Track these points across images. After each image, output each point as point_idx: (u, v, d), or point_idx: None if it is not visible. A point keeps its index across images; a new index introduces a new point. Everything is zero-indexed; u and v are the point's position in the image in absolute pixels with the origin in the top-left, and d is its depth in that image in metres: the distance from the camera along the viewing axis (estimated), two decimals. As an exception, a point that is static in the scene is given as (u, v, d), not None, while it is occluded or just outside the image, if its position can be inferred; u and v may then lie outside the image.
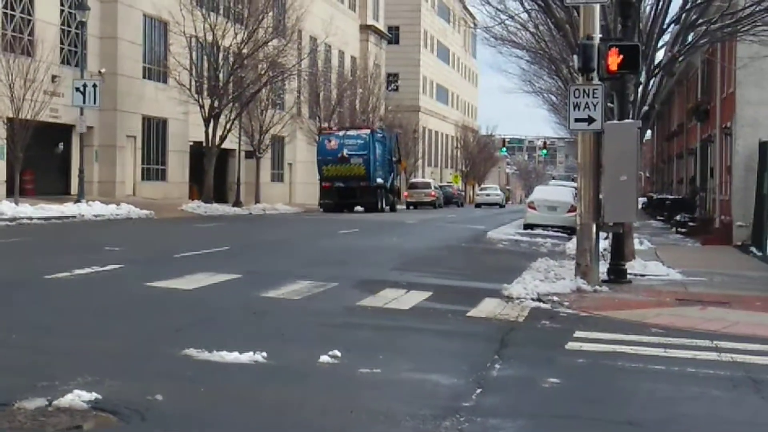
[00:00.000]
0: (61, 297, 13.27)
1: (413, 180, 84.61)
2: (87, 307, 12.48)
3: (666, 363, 10.21)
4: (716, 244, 31.40)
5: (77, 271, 15.61)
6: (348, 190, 55.04)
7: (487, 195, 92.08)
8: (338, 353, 9.42)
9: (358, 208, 55.92)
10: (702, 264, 23.23)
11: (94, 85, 40.68)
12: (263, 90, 56.07)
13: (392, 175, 62.14)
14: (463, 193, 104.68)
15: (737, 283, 19.17)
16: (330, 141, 56.21)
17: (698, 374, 9.73)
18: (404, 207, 70.74)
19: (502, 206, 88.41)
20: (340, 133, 57.52)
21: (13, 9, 42.92)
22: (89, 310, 12.14)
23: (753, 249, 28.21)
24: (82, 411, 7.03)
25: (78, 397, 7.17)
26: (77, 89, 40.45)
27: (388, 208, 58.92)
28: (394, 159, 63.22)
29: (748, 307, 15.28)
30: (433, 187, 77.84)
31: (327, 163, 55.61)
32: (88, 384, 7.66)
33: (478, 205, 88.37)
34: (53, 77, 41.59)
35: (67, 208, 35.29)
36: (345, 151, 54.98)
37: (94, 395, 7.24)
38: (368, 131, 58.37)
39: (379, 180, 57.06)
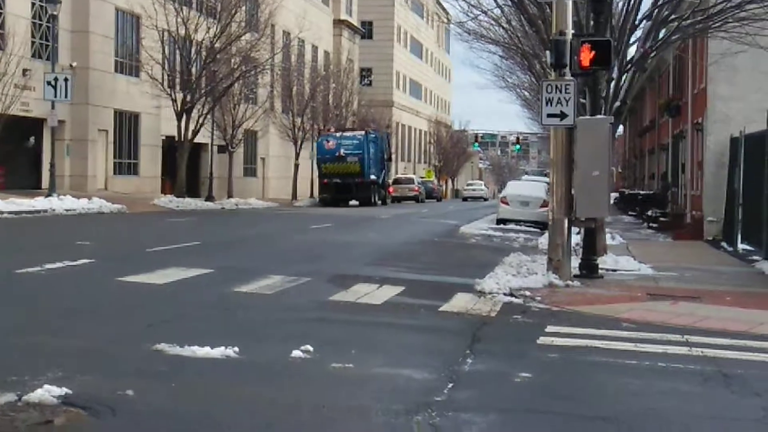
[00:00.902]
0: (31, 292, 13.19)
1: (397, 176, 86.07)
2: (57, 302, 12.41)
3: (637, 357, 10.25)
4: (687, 239, 31.55)
5: (48, 266, 15.52)
6: (344, 185, 60.68)
7: (473, 190, 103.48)
8: (310, 348, 9.41)
9: (353, 202, 60.33)
10: (673, 259, 23.35)
11: (66, 79, 40.41)
12: (236, 84, 55.96)
13: (384, 172, 66.91)
14: (443, 188, 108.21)
15: (708, 278, 19.27)
16: (328, 141, 62.01)
17: (669, 369, 9.77)
18: (389, 201, 73.23)
19: (486, 199, 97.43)
20: (337, 134, 63.73)
21: (-17, 2, 42.60)
22: (60, 305, 12.08)
23: (724, 244, 28.38)
24: (53, 406, 6.99)
25: (48, 393, 7.13)
26: (48, 83, 40.17)
27: (380, 202, 63.97)
28: (385, 157, 67.83)
29: (719, 301, 15.37)
30: (416, 183, 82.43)
31: (325, 161, 61.17)
32: (59, 379, 7.62)
33: (465, 199, 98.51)
34: (24, 71, 41.33)
35: (38, 203, 35.07)
36: (342, 151, 60.80)
37: (64, 390, 7.21)
38: (363, 132, 64.25)
39: (373, 176, 62.45)
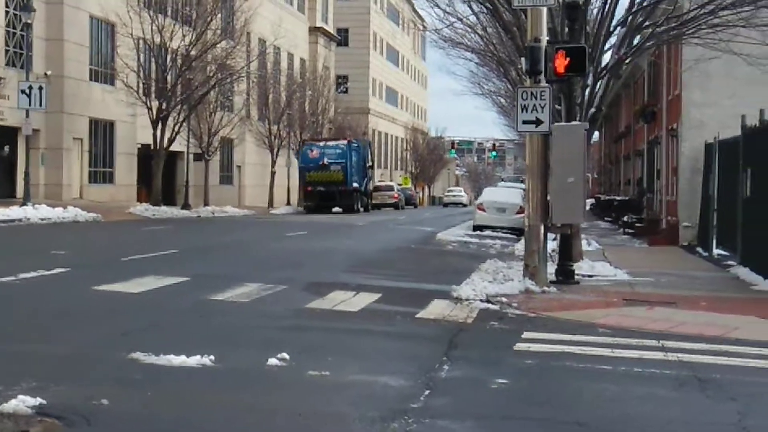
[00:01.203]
0: (5, 301, 13.11)
1: (377, 183, 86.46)
2: (32, 311, 12.34)
3: (613, 363, 10.28)
4: (663, 244, 31.70)
5: (22, 275, 15.44)
6: (328, 193, 62.10)
7: (454, 196, 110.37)
8: (287, 356, 9.39)
9: (337, 209, 61.33)
10: (649, 264, 23.44)
11: (40, 88, 40.23)
12: (212, 92, 55.80)
13: (366, 180, 68.31)
14: (419, 195, 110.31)
15: (684, 284, 19.35)
16: (312, 150, 63.54)
17: (645, 374, 9.80)
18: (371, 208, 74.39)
19: (465, 205, 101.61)
20: (321, 144, 65.13)
21: (-44, 10, 42.38)
22: (34, 315, 12.01)
23: (699, 249, 28.52)
24: (27, 416, 6.95)
25: (22, 403, 7.09)
26: (23, 91, 39.97)
27: (362, 209, 64.97)
28: (368, 165, 69.53)
29: (695, 307, 15.43)
30: (395, 190, 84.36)
31: (309, 170, 62.64)
32: (33, 389, 7.57)
33: (446, 204, 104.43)
34: (-2, 79, 41.11)
35: (13, 212, 34.86)
36: (325, 159, 62.41)
37: (38, 400, 7.16)
38: (346, 142, 65.84)
39: (355, 184, 63.83)
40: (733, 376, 9.83)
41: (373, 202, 75.36)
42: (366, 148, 71.17)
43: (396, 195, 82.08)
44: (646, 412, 8.12)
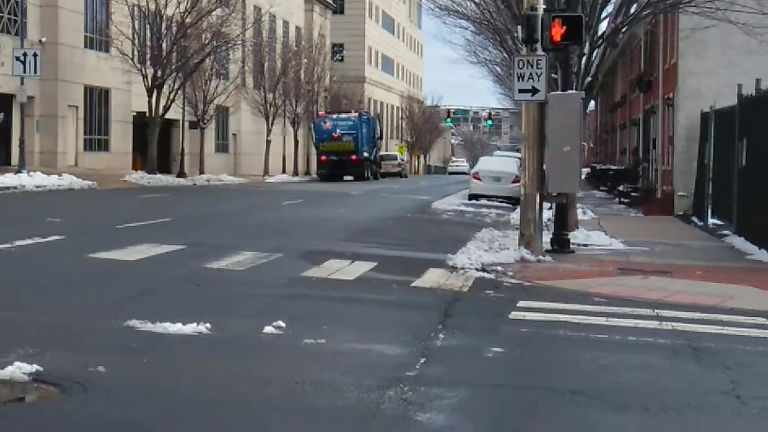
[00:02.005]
0: (0, 268, 13.11)
1: (382, 153, 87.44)
2: (28, 278, 12.35)
3: (608, 332, 10.32)
4: (658, 214, 31.71)
5: (18, 243, 15.43)
6: (340, 162, 65.97)
7: (457, 166, 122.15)
8: (282, 324, 9.41)
9: (348, 177, 65.43)
10: (644, 234, 23.47)
11: (35, 55, 40.03)
12: (207, 60, 55.60)
13: (375, 150, 72.49)
14: (415, 163, 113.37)
15: (679, 253, 19.39)
16: (325, 123, 67.48)
17: (639, 343, 9.84)
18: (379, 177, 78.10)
19: (466, 173, 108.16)
20: (334, 116, 69.07)
21: (-50, -24, 42.10)
22: (30, 282, 12.02)
23: (694, 219, 28.54)
24: (23, 383, 6.96)
25: (19, 369, 7.10)
26: (17, 58, 39.79)
27: (372, 177, 68.88)
28: (376, 137, 73.43)
29: (689, 276, 15.47)
30: (399, 159, 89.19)
31: (323, 140, 66.69)
32: (29, 356, 7.59)
33: (451, 173, 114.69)
34: (-8, 46, 40.91)
35: (8, 179, 34.79)
36: (338, 131, 66.35)
37: (35, 367, 7.18)
38: (357, 114, 69.94)
39: (365, 154, 67.90)
40: (728, 345, 9.86)
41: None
42: (375, 120, 75.11)
43: (400, 164, 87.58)
44: (641, 380, 8.16)
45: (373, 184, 60.39)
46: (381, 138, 79.44)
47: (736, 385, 8.03)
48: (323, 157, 67.11)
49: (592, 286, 13.98)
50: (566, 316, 11.16)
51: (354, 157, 66.41)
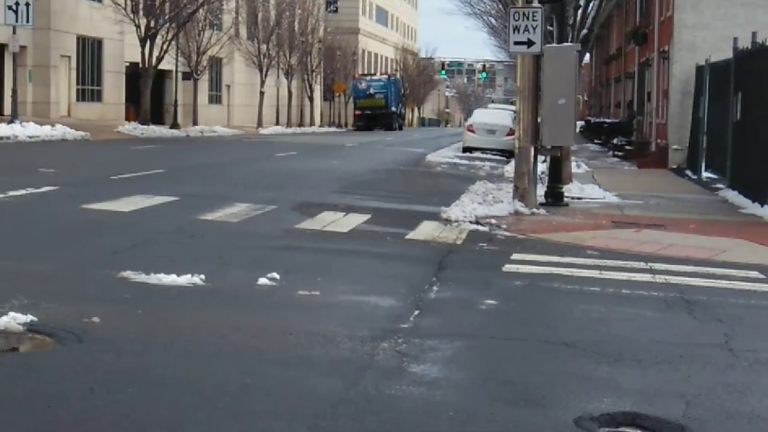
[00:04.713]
0: (-5, 219, 13.09)
1: None
2: (21, 229, 12.33)
3: (601, 285, 10.35)
4: (652, 167, 31.73)
5: (11, 193, 15.39)
6: (374, 116, 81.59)
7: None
8: (277, 276, 9.42)
9: (378, 128, 78.69)
10: (638, 187, 23.50)
11: (27, 4, 39.63)
12: (200, 10, 55.20)
13: (400, 105, 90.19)
14: (409, 115, 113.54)
15: (672, 206, 19.42)
16: (361, 83, 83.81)
17: (633, 296, 9.88)
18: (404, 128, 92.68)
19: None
20: (368, 78, 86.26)
21: (-59, -76, 41.61)
22: (24, 232, 12.00)
23: (688, 172, 28.57)
24: (18, 333, 6.98)
25: (13, 320, 7.11)
26: (9, 7, 39.40)
27: (398, 128, 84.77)
28: (401, 94, 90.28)
29: (683, 229, 15.50)
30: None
31: (359, 98, 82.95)
32: (24, 306, 7.59)
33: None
34: (-17, -5, 40.53)
35: (1, 129, 34.63)
36: (371, 90, 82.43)
37: (29, 318, 7.18)
38: (386, 76, 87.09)
39: (393, 108, 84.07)
40: (720, 298, 9.91)
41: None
42: (400, 81, 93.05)
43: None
44: (633, 332, 8.19)
45: (367, 135, 60.36)
46: (405, 95, 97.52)
47: (729, 337, 8.08)
48: (358, 112, 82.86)
49: (585, 239, 14.00)
50: (560, 269, 11.19)
51: (384, 111, 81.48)
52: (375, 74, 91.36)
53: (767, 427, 5.92)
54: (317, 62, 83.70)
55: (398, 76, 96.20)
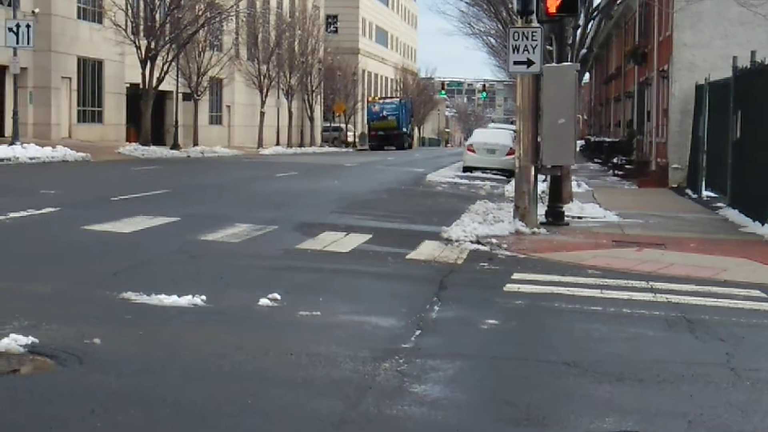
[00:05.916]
0: (-4, 241, 13.09)
1: None
2: (23, 250, 12.33)
3: (602, 304, 10.34)
4: (652, 186, 31.74)
5: (12, 215, 15.40)
6: (386, 136, 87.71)
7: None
8: (278, 296, 9.42)
9: (390, 147, 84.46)
10: (638, 206, 23.49)
11: (28, 26, 39.77)
12: (201, 31, 55.36)
13: (409, 126, 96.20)
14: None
15: (673, 225, 19.41)
16: (375, 106, 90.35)
17: (634, 315, 9.86)
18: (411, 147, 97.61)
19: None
20: (381, 101, 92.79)
21: (-58, -54, 41.78)
22: (25, 254, 12.01)
23: (688, 191, 28.57)
24: (19, 355, 6.97)
25: (14, 341, 7.10)
26: (10, 29, 39.54)
27: (408, 146, 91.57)
28: (410, 116, 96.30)
29: (683, 248, 15.49)
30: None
31: (373, 120, 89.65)
32: (25, 328, 7.59)
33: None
34: (-15, 17, 40.64)
35: (1, 151, 34.64)
36: (384, 112, 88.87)
37: (30, 339, 7.18)
38: (398, 100, 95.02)
39: (404, 129, 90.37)
40: (722, 317, 9.89)
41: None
42: (410, 103, 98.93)
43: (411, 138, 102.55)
44: (635, 351, 8.18)
45: (367, 155, 60.36)
46: (414, 117, 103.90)
47: (730, 356, 8.06)
48: (373, 133, 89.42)
49: (586, 258, 14.00)
50: (561, 289, 11.18)
51: (396, 132, 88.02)
52: (387, 97, 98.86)
53: (769, 446, 5.91)
54: (317, 82, 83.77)
55: (408, 99, 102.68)
